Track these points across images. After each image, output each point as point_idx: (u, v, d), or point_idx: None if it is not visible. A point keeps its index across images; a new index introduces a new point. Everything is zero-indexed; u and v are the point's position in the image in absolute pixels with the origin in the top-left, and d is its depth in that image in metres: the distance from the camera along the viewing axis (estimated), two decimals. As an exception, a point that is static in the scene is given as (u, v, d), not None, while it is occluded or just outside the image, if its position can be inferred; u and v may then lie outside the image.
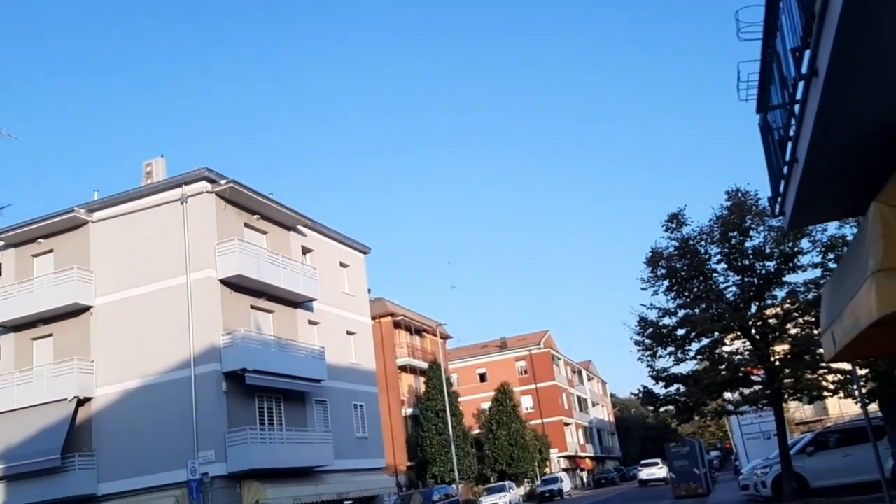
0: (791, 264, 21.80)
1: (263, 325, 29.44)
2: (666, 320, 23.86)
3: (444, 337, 59.48)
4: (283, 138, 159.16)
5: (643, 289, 24.08)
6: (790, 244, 21.52)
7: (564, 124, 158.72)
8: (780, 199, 9.29)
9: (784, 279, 22.29)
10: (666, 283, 23.62)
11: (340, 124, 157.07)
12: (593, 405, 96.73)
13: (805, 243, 21.35)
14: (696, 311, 22.88)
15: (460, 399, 55.03)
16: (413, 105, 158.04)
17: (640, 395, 25.59)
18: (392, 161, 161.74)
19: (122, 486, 25.91)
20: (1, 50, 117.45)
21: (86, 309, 28.18)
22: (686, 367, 24.80)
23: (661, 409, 27.77)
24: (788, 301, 22.16)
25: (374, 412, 36.87)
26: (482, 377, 77.15)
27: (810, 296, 21.14)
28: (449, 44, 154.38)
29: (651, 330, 23.99)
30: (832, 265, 20.65)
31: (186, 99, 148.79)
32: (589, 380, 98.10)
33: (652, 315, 24.12)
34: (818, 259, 21.47)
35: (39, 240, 29.48)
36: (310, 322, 32.42)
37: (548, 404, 75.85)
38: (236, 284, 27.94)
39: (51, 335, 28.60)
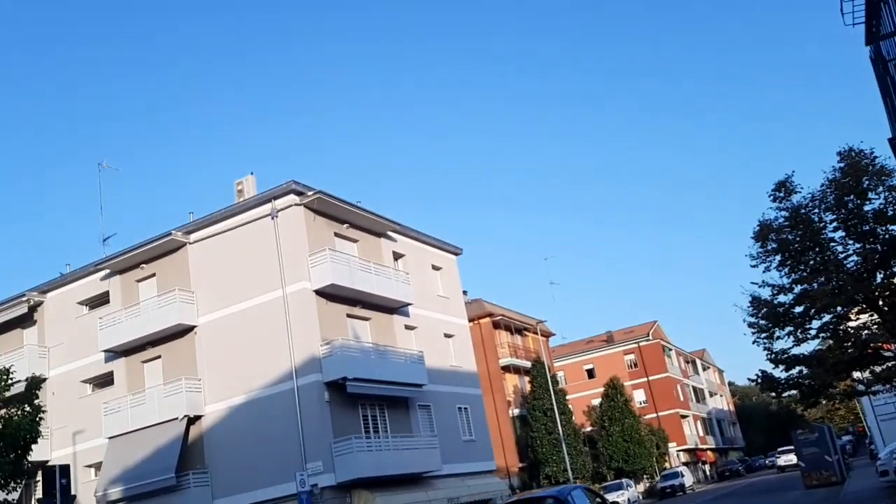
0: (919, 225, 19.88)
1: (361, 332, 29.33)
2: (781, 298, 22.36)
3: (546, 334, 58.32)
4: (372, 145, 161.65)
5: (753, 266, 22.62)
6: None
7: (669, 111, 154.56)
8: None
9: (912, 242, 20.35)
10: (778, 257, 22.10)
11: (431, 130, 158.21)
12: (711, 395, 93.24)
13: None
14: (815, 284, 21.28)
15: (568, 397, 53.86)
16: (507, 105, 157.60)
17: (759, 381, 24.10)
18: (482, 162, 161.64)
19: (236, 502, 26.24)
20: (95, 89, 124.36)
21: (190, 329, 28.81)
22: (808, 347, 23.17)
23: (784, 395, 26.10)
24: (919, 266, 20.24)
25: (480, 414, 36.25)
26: (590, 373, 75.57)
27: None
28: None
29: (765, 309, 22.51)
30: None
31: (272, 113, 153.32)
32: (704, 369, 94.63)
33: (765, 293, 22.66)
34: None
35: (142, 265, 30.38)
36: (406, 327, 32.15)
37: (662, 397, 73.60)
38: (331, 294, 27.93)
39: (159, 357, 29.39)
